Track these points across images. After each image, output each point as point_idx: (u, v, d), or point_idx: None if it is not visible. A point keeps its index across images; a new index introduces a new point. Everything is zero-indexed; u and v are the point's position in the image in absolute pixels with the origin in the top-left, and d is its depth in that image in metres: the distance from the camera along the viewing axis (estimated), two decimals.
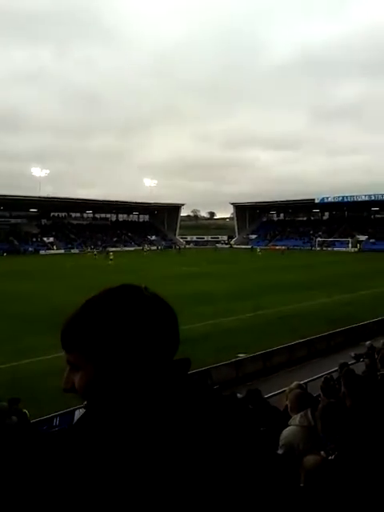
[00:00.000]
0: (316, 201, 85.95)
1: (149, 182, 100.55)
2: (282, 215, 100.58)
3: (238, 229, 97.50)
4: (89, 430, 0.87)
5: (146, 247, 74.56)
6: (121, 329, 0.90)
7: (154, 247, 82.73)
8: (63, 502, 0.61)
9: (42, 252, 70.26)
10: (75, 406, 8.26)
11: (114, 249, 71.94)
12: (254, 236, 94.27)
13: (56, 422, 8.35)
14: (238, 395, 6.59)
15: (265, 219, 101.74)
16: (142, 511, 0.74)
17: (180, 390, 0.90)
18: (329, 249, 75.55)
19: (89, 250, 68.31)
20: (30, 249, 70.92)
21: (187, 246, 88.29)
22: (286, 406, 5.06)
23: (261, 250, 69.07)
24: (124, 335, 0.90)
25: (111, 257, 49.39)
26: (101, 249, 70.35)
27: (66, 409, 8.26)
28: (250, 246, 77.06)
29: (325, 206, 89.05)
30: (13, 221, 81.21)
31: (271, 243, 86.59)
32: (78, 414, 8.81)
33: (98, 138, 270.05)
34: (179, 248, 78.43)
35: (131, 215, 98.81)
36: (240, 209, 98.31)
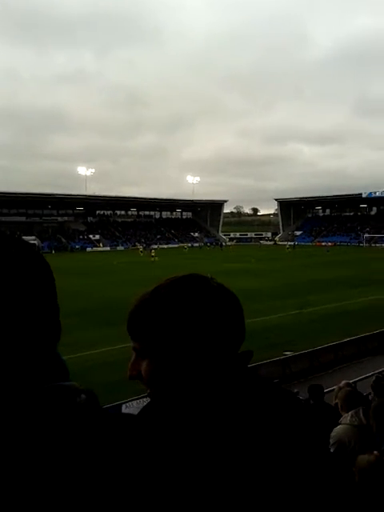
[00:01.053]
0: (363, 195, 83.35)
1: (191, 179, 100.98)
2: (327, 211, 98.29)
3: (283, 225, 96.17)
4: (152, 419, 0.87)
5: (186, 245, 74.81)
6: (186, 319, 0.89)
7: (196, 244, 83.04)
8: (127, 484, 0.64)
9: (88, 249, 72.11)
10: (123, 399, 8.48)
11: (156, 246, 72.93)
12: (299, 232, 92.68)
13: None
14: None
15: (310, 215, 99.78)
16: (201, 499, 0.74)
17: (245, 382, 0.89)
18: (377, 245, 73.17)
19: (138, 246, 69.42)
20: (77, 246, 72.98)
21: (230, 243, 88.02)
22: (336, 404, 4.99)
23: (290, 246, 67.67)
24: (189, 326, 0.89)
25: (153, 253, 49.99)
26: (145, 245, 71.36)
27: (113, 402, 8.46)
28: (292, 243, 75.93)
29: (373, 200, 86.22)
30: (60, 219, 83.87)
31: (317, 240, 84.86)
32: (125, 407, 8.99)
33: (142, 136, 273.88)
34: (222, 245, 78.30)
35: (174, 213, 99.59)
36: (284, 205, 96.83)
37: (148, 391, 0.94)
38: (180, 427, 0.83)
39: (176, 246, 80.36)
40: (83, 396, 0.75)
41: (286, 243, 72.95)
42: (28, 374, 0.71)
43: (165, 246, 78.35)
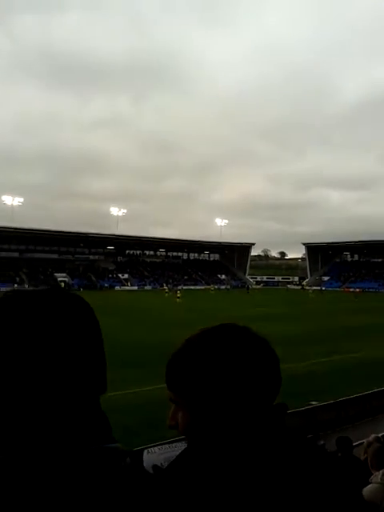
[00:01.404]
0: None
1: (220, 222, 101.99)
2: (356, 256, 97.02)
3: (310, 270, 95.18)
4: (188, 475, 0.86)
5: (213, 286, 74.70)
6: (220, 373, 0.88)
7: (223, 286, 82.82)
8: None
9: (117, 288, 72.85)
10: (142, 444, 8.36)
11: (184, 287, 73.14)
12: (326, 277, 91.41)
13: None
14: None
15: (338, 260, 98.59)
16: None
17: (280, 436, 0.88)
18: None
19: (165, 287, 69.78)
20: (106, 285, 73.83)
21: (257, 286, 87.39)
22: (365, 459, 4.80)
23: (313, 291, 66.85)
24: (223, 379, 0.88)
25: (179, 295, 49.98)
26: (171, 286, 71.60)
27: (134, 447, 8.35)
28: (318, 288, 74.90)
29: None
30: (91, 257, 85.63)
31: (345, 285, 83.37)
32: (147, 453, 8.82)
33: (173, 179, 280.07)
34: (248, 287, 77.86)
35: (202, 254, 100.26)
36: (312, 249, 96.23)
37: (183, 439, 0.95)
38: (215, 481, 0.82)
39: (203, 287, 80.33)
40: (128, 459, 0.76)
41: (309, 288, 71.98)
42: (77, 430, 0.72)
43: (192, 287, 78.52)
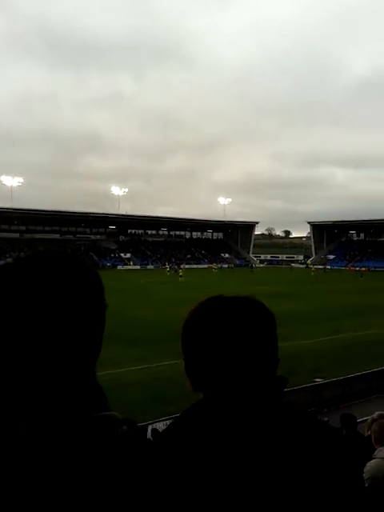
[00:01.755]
0: None
1: (223, 200, 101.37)
2: (362, 235, 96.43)
3: (315, 249, 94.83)
4: (177, 438, 0.87)
5: (215, 265, 74.53)
6: (215, 344, 0.91)
7: (227, 265, 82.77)
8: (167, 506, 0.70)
9: (119, 267, 72.95)
10: (149, 419, 8.38)
11: (187, 266, 73.09)
12: (331, 256, 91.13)
13: None
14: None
15: (344, 239, 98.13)
16: None
17: (281, 408, 0.89)
18: None
19: (166, 266, 69.76)
20: (108, 264, 73.95)
21: (261, 265, 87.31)
22: (369, 436, 4.75)
23: (315, 269, 66.25)
24: (224, 344, 0.90)
25: (181, 273, 50.04)
26: (173, 265, 71.62)
27: (140, 423, 8.38)
28: (322, 266, 74.68)
29: None
30: (93, 237, 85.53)
31: (350, 264, 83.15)
32: (150, 429, 8.87)
33: (174, 158, 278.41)
34: (252, 266, 77.82)
35: (205, 233, 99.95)
36: (317, 228, 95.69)
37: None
38: (209, 448, 0.82)
39: (206, 266, 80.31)
40: (125, 427, 0.76)
41: (312, 266, 71.64)
42: (73, 396, 0.71)
43: (195, 266, 78.52)
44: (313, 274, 60.94)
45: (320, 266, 74.86)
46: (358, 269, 72.87)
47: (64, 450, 0.67)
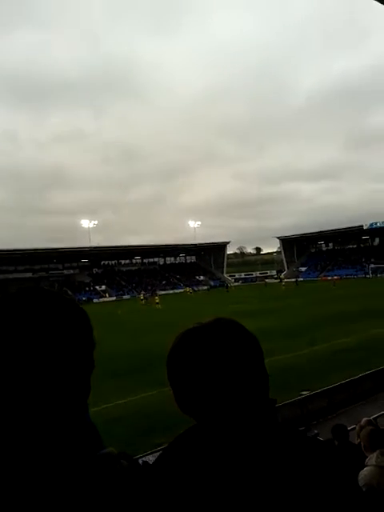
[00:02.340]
0: (365, 227, 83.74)
1: (193, 224, 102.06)
2: (330, 245, 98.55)
3: (287, 262, 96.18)
4: (180, 469, 0.86)
5: (189, 289, 74.36)
6: (212, 367, 0.90)
7: (204, 287, 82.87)
8: None
9: (95, 300, 71.96)
10: (135, 454, 8.19)
11: (163, 292, 72.75)
12: (303, 268, 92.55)
13: None
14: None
15: (313, 250, 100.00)
16: None
17: (271, 429, 0.89)
18: None
19: (138, 295, 69.02)
20: (84, 298, 72.83)
21: (236, 284, 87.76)
22: (360, 443, 4.78)
23: (285, 283, 66.67)
24: (216, 373, 0.89)
25: (157, 300, 49.51)
26: (150, 293, 71.16)
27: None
28: (294, 279, 75.56)
29: (375, 231, 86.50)
30: (66, 272, 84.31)
31: (322, 274, 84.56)
32: (141, 462, 8.69)
33: (141, 187, 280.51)
34: (227, 286, 78.12)
35: (178, 258, 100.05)
36: (287, 242, 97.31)
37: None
38: (204, 474, 0.82)
39: (182, 290, 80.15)
40: (124, 462, 0.76)
41: (283, 281, 71.97)
42: (69, 437, 0.70)
43: (171, 292, 78.28)
44: (284, 288, 61.29)
45: (292, 279, 75.67)
46: (329, 278, 74.21)
47: (70, 493, 0.66)
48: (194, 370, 0.91)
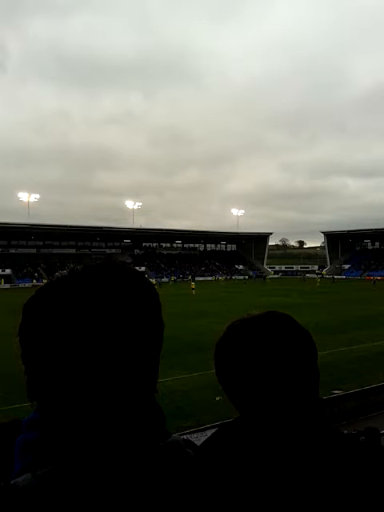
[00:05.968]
0: None
1: (236, 212, 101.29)
2: (377, 244, 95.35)
3: (330, 258, 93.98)
4: (211, 459, 0.84)
5: (221, 277, 73.25)
6: (250, 366, 0.87)
7: (241, 277, 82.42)
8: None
9: None
10: None
11: (201, 278, 72.92)
12: (347, 266, 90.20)
13: None
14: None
15: (358, 248, 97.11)
16: None
17: (320, 431, 0.86)
18: None
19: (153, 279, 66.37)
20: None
21: (275, 276, 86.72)
22: None
23: (320, 279, 65.14)
24: (266, 368, 0.87)
25: (193, 286, 49.32)
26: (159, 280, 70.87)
27: None
28: (330, 276, 73.60)
29: None
30: (108, 251, 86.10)
31: (366, 273, 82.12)
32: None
33: (186, 172, 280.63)
34: (264, 277, 77.24)
35: (219, 245, 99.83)
36: (331, 238, 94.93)
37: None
38: (252, 470, 0.81)
39: (220, 277, 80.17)
40: (189, 450, 0.74)
41: (317, 278, 70.71)
42: (142, 420, 0.68)
43: (209, 278, 78.45)
44: (318, 283, 60.07)
45: (328, 276, 73.87)
46: (372, 277, 71.90)
47: (137, 481, 0.65)
48: (244, 362, 0.88)
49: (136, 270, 0.73)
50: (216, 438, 0.88)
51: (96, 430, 0.65)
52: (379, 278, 71.69)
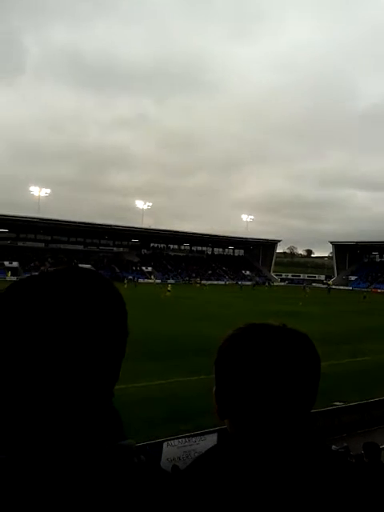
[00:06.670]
0: None
1: (245, 217, 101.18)
2: None
3: (338, 269, 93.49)
4: (197, 477, 0.83)
5: (199, 281, 70.71)
6: (250, 376, 0.85)
7: (248, 283, 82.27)
8: None
9: (140, 280, 73.12)
10: (163, 436, 8.27)
11: (208, 281, 72.87)
12: (353, 277, 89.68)
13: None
14: (333, 447, 6.11)
15: (366, 260, 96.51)
16: None
17: (307, 452, 0.84)
18: None
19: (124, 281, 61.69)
20: (130, 277, 74.18)
21: (282, 283, 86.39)
22: None
23: (308, 289, 62.43)
24: (252, 382, 0.85)
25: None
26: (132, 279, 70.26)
27: (155, 439, 8.26)
28: (325, 286, 73.07)
29: None
30: (116, 249, 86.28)
31: (373, 286, 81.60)
32: (166, 445, 8.75)
33: (196, 175, 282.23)
34: (269, 284, 76.90)
35: (227, 249, 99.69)
36: (340, 248, 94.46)
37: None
38: (231, 498, 0.78)
39: (228, 282, 79.99)
40: (142, 457, 0.73)
41: (303, 286, 69.47)
42: (91, 423, 0.68)
43: (215, 282, 78.34)
44: (307, 295, 55.98)
45: (323, 286, 73.33)
46: (379, 290, 71.22)
47: (81, 481, 0.64)
48: (245, 372, 0.86)
49: (103, 276, 0.73)
50: (204, 459, 0.87)
51: (43, 428, 0.65)
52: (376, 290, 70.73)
